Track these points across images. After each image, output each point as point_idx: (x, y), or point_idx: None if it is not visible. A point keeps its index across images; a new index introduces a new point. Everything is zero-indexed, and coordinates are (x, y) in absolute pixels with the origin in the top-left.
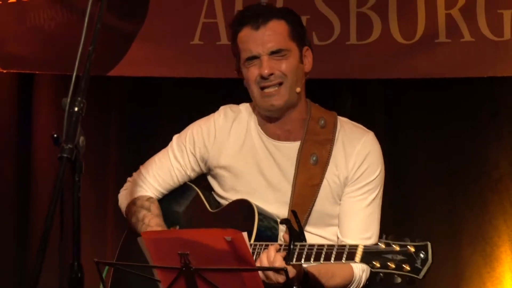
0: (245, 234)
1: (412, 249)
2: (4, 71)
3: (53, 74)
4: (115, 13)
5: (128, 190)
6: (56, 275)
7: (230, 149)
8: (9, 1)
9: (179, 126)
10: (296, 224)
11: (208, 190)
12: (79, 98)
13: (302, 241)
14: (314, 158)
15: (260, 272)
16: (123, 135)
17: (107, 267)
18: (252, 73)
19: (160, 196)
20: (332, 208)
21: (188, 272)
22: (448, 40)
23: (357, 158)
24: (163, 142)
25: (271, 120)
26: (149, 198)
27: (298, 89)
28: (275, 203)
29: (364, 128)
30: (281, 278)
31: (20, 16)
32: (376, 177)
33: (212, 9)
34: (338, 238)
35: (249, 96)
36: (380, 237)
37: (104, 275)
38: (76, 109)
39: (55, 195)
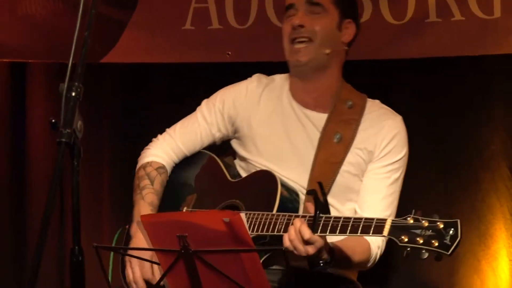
0: (243, 215)
1: (441, 225)
2: None
3: (46, 62)
4: (107, 0)
5: (149, 151)
6: (56, 259)
7: (260, 112)
8: None
9: (173, 113)
10: (321, 196)
11: (228, 160)
12: (76, 83)
13: (326, 213)
14: (337, 137)
15: (288, 243)
16: (116, 123)
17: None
18: (286, 27)
19: (179, 159)
20: (354, 182)
21: (187, 255)
22: (438, 20)
23: (385, 135)
24: (156, 129)
25: (301, 85)
26: (159, 168)
27: (327, 51)
28: (297, 169)
29: (394, 111)
30: (311, 249)
31: (11, 6)
32: (401, 158)
33: None
34: (356, 213)
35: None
36: (409, 212)
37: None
38: (73, 94)
39: (55, 179)
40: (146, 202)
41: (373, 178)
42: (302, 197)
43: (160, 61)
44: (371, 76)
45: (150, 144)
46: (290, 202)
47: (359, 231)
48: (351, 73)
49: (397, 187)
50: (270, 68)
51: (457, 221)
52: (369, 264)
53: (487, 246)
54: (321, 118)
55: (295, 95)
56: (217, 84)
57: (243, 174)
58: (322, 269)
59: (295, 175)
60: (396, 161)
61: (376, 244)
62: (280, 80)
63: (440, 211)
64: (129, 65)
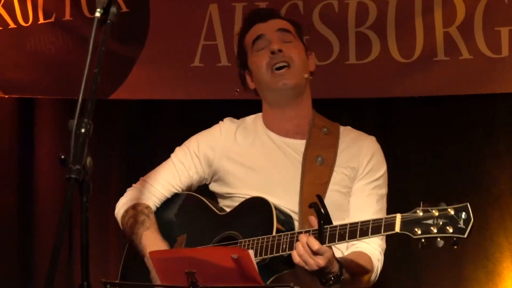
0: (251, 251)
1: (452, 211)
2: (6, 96)
3: (54, 98)
4: (116, 37)
5: (128, 198)
6: None
7: (238, 147)
8: (9, 27)
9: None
10: (322, 208)
11: (210, 198)
12: (85, 120)
13: (329, 224)
14: (319, 159)
15: (298, 259)
16: (125, 157)
17: None
18: (261, 56)
19: (160, 203)
20: (343, 200)
21: None
22: (446, 58)
23: (365, 154)
24: (164, 160)
25: (280, 113)
26: (147, 207)
27: (306, 75)
28: (285, 195)
29: (365, 133)
30: (321, 260)
31: (20, 42)
32: (383, 174)
33: (212, 32)
34: None
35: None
36: (417, 205)
37: None
38: (83, 130)
39: (64, 216)
40: (151, 231)
41: (360, 196)
42: (296, 218)
43: (168, 98)
44: (374, 110)
45: (126, 194)
46: (286, 224)
47: (370, 233)
48: (353, 106)
49: (384, 204)
50: None
51: (467, 204)
52: (373, 278)
53: (495, 285)
54: (300, 144)
55: (271, 127)
56: (225, 115)
57: (229, 204)
58: (333, 284)
59: (284, 200)
60: (379, 177)
61: (376, 257)
62: (250, 119)
63: (447, 249)
64: (138, 100)
